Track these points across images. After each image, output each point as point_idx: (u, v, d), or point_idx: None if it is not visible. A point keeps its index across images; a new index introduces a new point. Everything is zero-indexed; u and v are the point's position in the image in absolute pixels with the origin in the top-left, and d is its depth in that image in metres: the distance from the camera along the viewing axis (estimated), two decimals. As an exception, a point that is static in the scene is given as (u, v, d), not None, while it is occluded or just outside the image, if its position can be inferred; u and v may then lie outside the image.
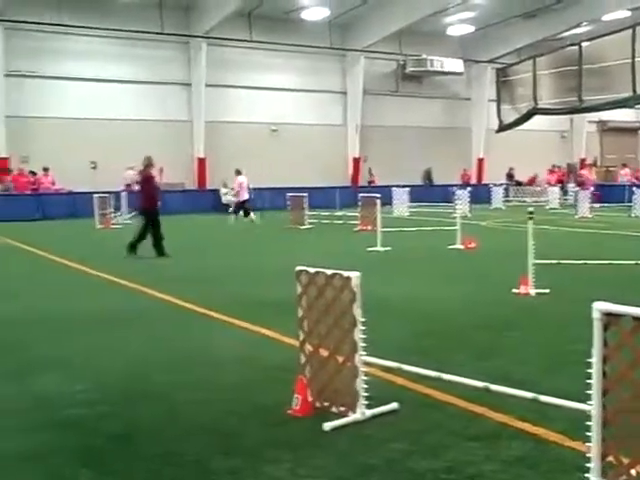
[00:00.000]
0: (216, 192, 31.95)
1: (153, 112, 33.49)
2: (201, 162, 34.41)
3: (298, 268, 5.37)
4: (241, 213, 24.33)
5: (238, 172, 24.96)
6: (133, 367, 6.61)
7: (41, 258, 15.71)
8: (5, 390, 6.01)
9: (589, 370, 3.73)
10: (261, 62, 35.92)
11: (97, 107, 32.16)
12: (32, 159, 30.45)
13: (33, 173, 30.19)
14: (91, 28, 31.25)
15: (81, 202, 26.82)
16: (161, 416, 5.27)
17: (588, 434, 3.79)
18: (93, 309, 9.49)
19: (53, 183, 30.15)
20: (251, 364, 6.62)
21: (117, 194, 26.46)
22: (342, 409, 5.09)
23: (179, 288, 10.87)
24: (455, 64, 39.77)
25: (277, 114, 36.44)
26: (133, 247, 15.16)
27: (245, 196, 24.22)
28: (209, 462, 4.39)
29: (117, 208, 26.00)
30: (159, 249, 15.21)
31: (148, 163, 15.80)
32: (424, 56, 39.00)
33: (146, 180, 15.72)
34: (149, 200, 15.45)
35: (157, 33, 32.58)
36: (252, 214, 24.09)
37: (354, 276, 5.00)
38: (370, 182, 37.41)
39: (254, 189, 32.49)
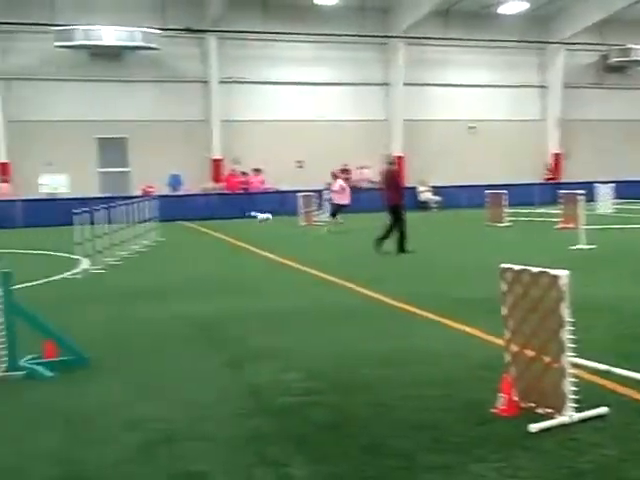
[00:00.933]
0: (414, 190, 32.12)
1: (353, 113, 34.28)
2: (399, 160, 34.69)
3: (503, 266, 5.36)
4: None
5: (336, 176, 23.50)
6: (344, 360, 6.86)
7: (253, 254, 16.66)
8: (223, 379, 6.45)
9: None
10: (458, 59, 35.68)
11: (301, 109, 33.51)
12: (243, 160, 32.29)
13: (244, 174, 31.99)
14: (295, 34, 32.60)
15: (287, 200, 28.06)
16: (370, 408, 5.43)
17: None
18: (305, 305, 9.92)
19: (263, 182, 31.74)
20: (455, 362, 6.66)
21: (320, 193, 27.36)
22: (548, 411, 5.02)
23: (386, 286, 11.10)
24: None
25: (474, 111, 35.99)
26: (379, 243, 15.61)
27: (346, 201, 22.48)
28: (416, 456, 4.49)
29: (320, 206, 26.87)
30: (401, 245, 15.57)
31: (391, 161, 16.58)
32: (629, 46, 36.88)
33: (392, 177, 16.18)
34: (398, 196, 15.91)
35: (357, 35, 33.32)
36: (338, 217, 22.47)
37: (562, 275, 4.90)
38: (549, 179, 35.97)
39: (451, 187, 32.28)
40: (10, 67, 30.33)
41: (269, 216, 22.59)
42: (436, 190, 32.63)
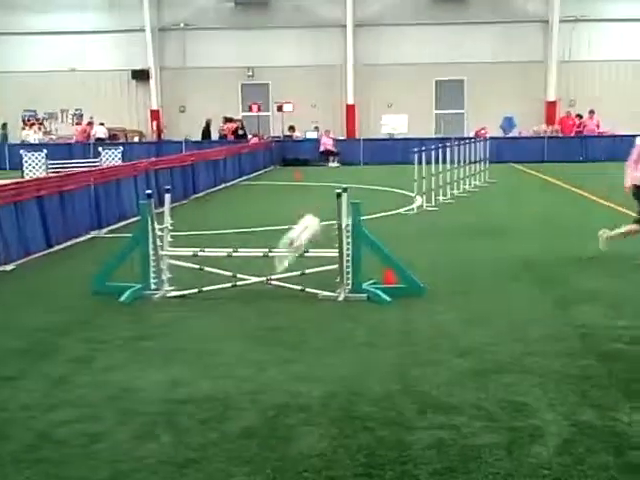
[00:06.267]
0: None
1: None
2: None
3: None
4: None
5: None
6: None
7: (581, 199, 16.17)
8: (550, 317, 6.58)
9: None
10: None
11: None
12: (579, 102, 31.02)
13: (579, 116, 30.71)
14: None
15: (623, 145, 26.45)
16: None
17: None
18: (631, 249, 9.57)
19: (598, 126, 30.25)
20: None
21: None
22: None
23: None
24: None
25: None
26: None
27: None
28: None
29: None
30: None
31: None
32: None
33: None
34: None
35: None
36: None
37: None
38: None
39: None
40: (366, 14, 32.10)
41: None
42: None
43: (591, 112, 30.20)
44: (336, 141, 29.92)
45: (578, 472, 3.70)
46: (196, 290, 7.45)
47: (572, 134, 30.24)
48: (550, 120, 31.65)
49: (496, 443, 4.01)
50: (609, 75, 30.98)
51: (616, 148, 27.47)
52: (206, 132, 31.04)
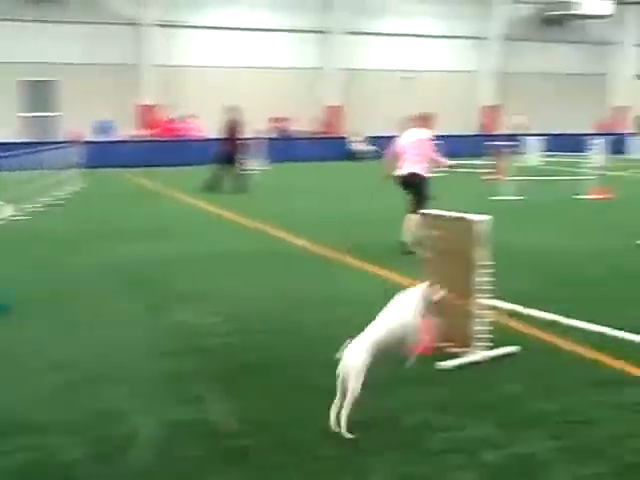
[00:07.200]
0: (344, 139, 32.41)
1: (289, 60, 33.95)
2: (333, 110, 34.57)
3: (422, 211, 5.51)
4: None
5: None
6: (270, 304, 6.98)
7: (177, 201, 16.51)
8: (148, 320, 6.50)
9: None
10: (397, 8, 35.39)
11: (236, 55, 33.10)
12: (180, 107, 31.48)
13: (177, 120, 31.26)
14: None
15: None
16: (295, 349, 5.61)
17: None
18: (225, 249, 10.00)
19: (199, 130, 31.04)
20: (373, 304, 6.82)
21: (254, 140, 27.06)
22: (461, 350, 5.21)
23: (310, 230, 11.28)
24: (600, 6, 37.47)
25: (411, 61, 35.98)
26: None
27: None
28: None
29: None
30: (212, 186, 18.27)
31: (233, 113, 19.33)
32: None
33: (233, 128, 19.20)
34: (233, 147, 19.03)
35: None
36: None
37: (478, 220, 5.08)
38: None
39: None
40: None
41: None
42: (372, 141, 32.34)
43: (191, 116, 30.96)
44: None
45: (175, 469, 3.74)
46: None
47: (172, 138, 30.71)
48: (149, 124, 31.83)
49: (90, 455, 3.86)
50: (207, 80, 32.12)
51: (213, 151, 28.71)
52: None
